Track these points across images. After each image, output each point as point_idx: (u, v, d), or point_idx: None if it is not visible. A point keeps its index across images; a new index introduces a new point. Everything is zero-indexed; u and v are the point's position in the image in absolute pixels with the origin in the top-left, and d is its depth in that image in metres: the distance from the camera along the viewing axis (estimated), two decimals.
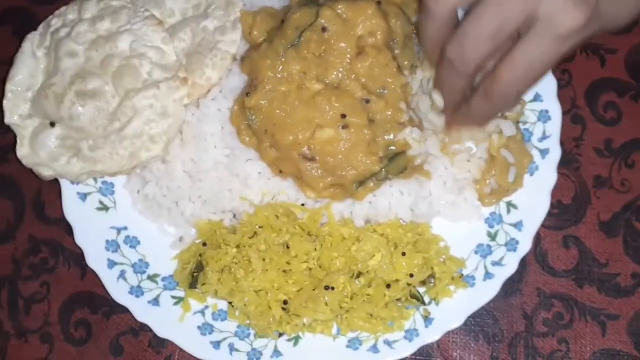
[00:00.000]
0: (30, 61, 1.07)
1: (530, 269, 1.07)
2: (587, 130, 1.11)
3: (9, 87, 1.07)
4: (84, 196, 1.08)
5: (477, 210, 1.05)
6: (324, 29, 0.97)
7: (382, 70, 0.98)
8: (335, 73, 0.99)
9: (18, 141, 1.06)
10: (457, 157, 1.03)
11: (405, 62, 1.01)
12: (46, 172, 1.03)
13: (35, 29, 1.11)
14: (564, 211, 1.08)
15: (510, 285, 1.06)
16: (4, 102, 1.06)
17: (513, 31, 0.83)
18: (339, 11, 0.98)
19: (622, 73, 1.12)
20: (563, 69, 1.12)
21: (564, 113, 1.07)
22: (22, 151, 1.05)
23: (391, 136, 0.99)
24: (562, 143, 1.05)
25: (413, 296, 1.02)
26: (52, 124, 1.04)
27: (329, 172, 0.99)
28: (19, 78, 1.07)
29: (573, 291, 1.06)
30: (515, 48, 0.83)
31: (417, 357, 1.05)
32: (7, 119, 1.06)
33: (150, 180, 1.07)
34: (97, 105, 1.01)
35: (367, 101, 0.98)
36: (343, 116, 0.97)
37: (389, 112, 0.99)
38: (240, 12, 1.06)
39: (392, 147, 0.99)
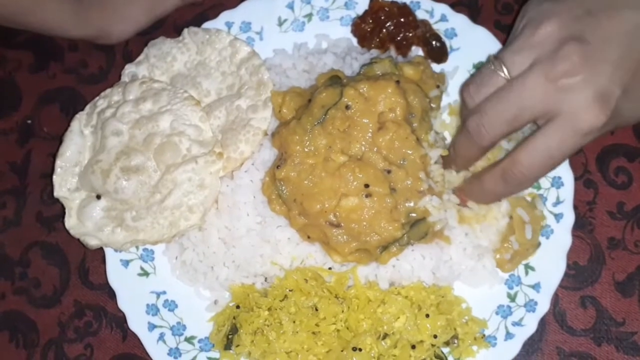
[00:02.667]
0: (78, 139, 1.13)
1: (549, 329, 1.09)
2: (600, 195, 1.13)
3: (58, 162, 1.12)
4: (126, 263, 1.13)
5: (495, 276, 1.08)
6: (347, 107, 1.02)
7: (402, 143, 1.02)
8: (358, 146, 1.03)
9: (66, 213, 1.11)
10: (476, 226, 1.06)
11: (423, 135, 1.05)
12: (92, 242, 1.09)
13: (80, 106, 1.17)
14: (580, 272, 1.11)
15: (531, 345, 1.08)
16: (54, 176, 1.12)
17: (530, 121, 0.88)
18: (361, 90, 1.02)
19: (631, 139, 1.15)
20: None
21: (577, 178, 1.11)
22: (70, 222, 1.11)
23: (412, 204, 1.02)
24: (575, 207, 1.08)
25: (437, 357, 1.04)
26: (98, 197, 1.09)
27: (354, 237, 1.03)
28: (68, 155, 1.12)
29: (592, 350, 1.08)
30: (536, 136, 0.87)
31: None
32: (57, 192, 1.12)
33: (188, 247, 1.11)
34: (140, 180, 1.07)
35: (389, 171, 1.02)
36: (366, 186, 1.01)
37: (409, 182, 1.02)
38: (270, 92, 1.11)
39: (413, 214, 1.02)
